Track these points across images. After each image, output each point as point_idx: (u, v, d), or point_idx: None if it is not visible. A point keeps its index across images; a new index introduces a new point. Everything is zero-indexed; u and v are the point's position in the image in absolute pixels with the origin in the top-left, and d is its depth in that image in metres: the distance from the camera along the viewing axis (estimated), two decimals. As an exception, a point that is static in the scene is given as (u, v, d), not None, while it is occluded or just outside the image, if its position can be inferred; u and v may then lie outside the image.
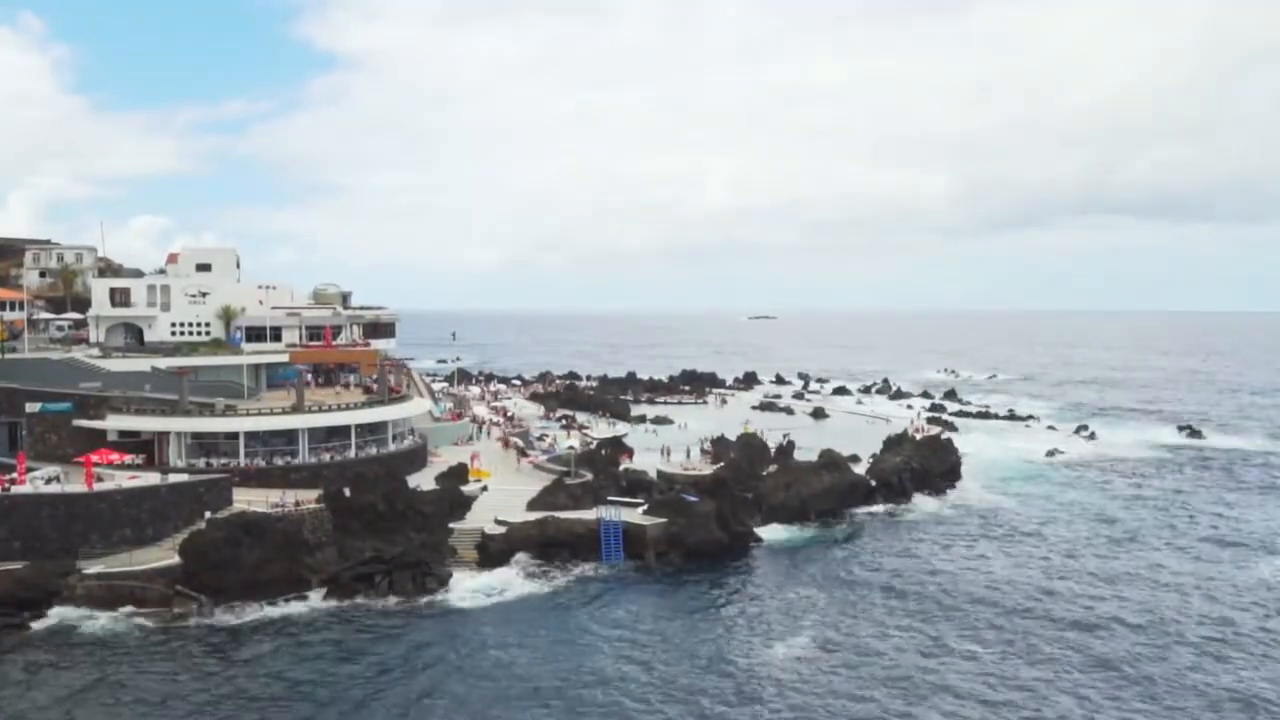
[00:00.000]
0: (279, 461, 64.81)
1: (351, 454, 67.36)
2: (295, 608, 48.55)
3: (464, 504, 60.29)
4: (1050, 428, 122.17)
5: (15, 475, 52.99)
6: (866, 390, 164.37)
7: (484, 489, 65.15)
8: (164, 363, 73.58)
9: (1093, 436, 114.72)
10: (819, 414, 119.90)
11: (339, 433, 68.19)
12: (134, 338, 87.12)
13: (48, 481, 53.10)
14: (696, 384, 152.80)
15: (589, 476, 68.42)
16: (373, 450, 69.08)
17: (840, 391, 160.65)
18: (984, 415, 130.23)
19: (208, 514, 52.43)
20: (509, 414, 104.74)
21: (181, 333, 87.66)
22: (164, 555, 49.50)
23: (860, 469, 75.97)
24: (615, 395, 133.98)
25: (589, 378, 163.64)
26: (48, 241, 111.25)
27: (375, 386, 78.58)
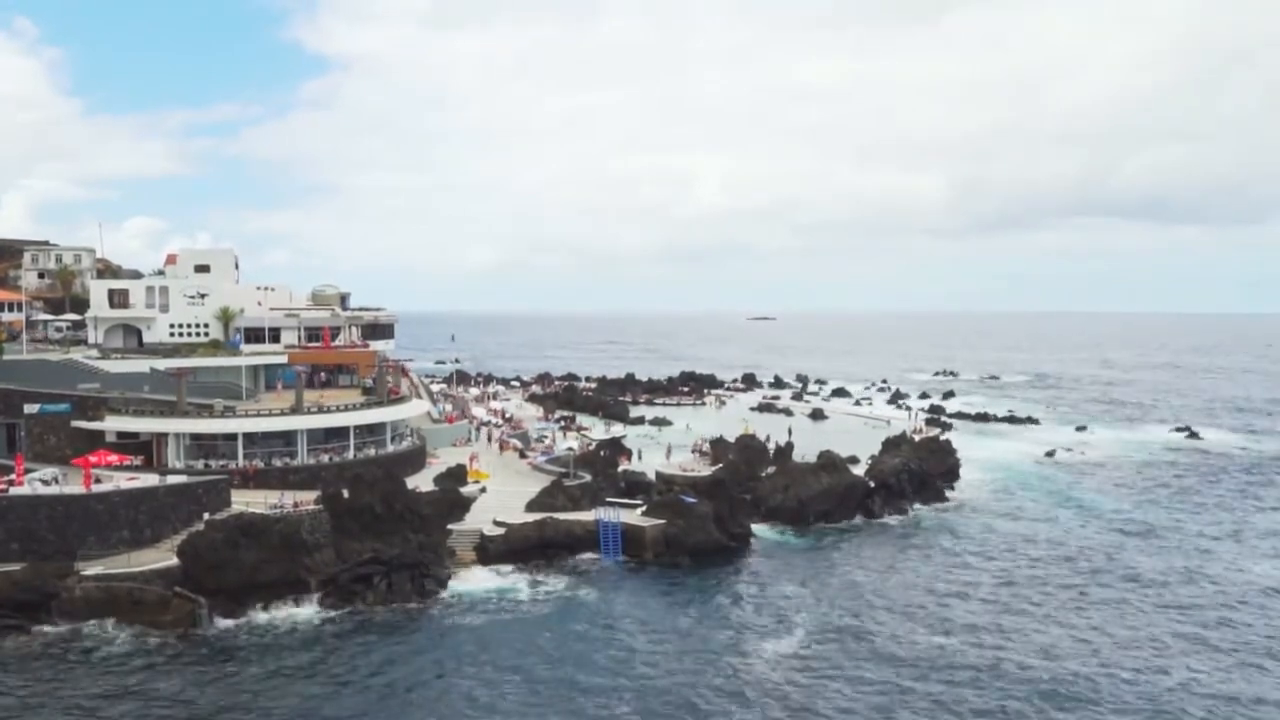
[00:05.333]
0: (277, 463, 64.81)
1: (350, 455, 67.36)
2: (293, 609, 48.48)
3: (462, 505, 60.25)
4: (1049, 429, 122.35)
5: (14, 476, 52.92)
6: (866, 391, 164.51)
7: (482, 490, 65.14)
8: (162, 364, 73.51)
9: (1091, 437, 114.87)
10: (818, 415, 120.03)
11: (337, 434, 68.18)
12: (133, 339, 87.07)
13: (46, 483, 53.02)
14: (695, 385, 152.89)
15: (588, 478, 68.41)
16: (371, 451, 69.07)
17: (839, 393, 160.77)
18: (983, 417, 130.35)
19: (206, 515, 52.35)
20: (507, 415, 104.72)
21: (180, 334, 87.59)
22: (162, 557, 49.41)
23: (859, 470, 75.92)
24: (614, 396, 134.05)
25: (588, 379, 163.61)
26: (46, 242, 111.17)
27: (374, 387, 78.51)
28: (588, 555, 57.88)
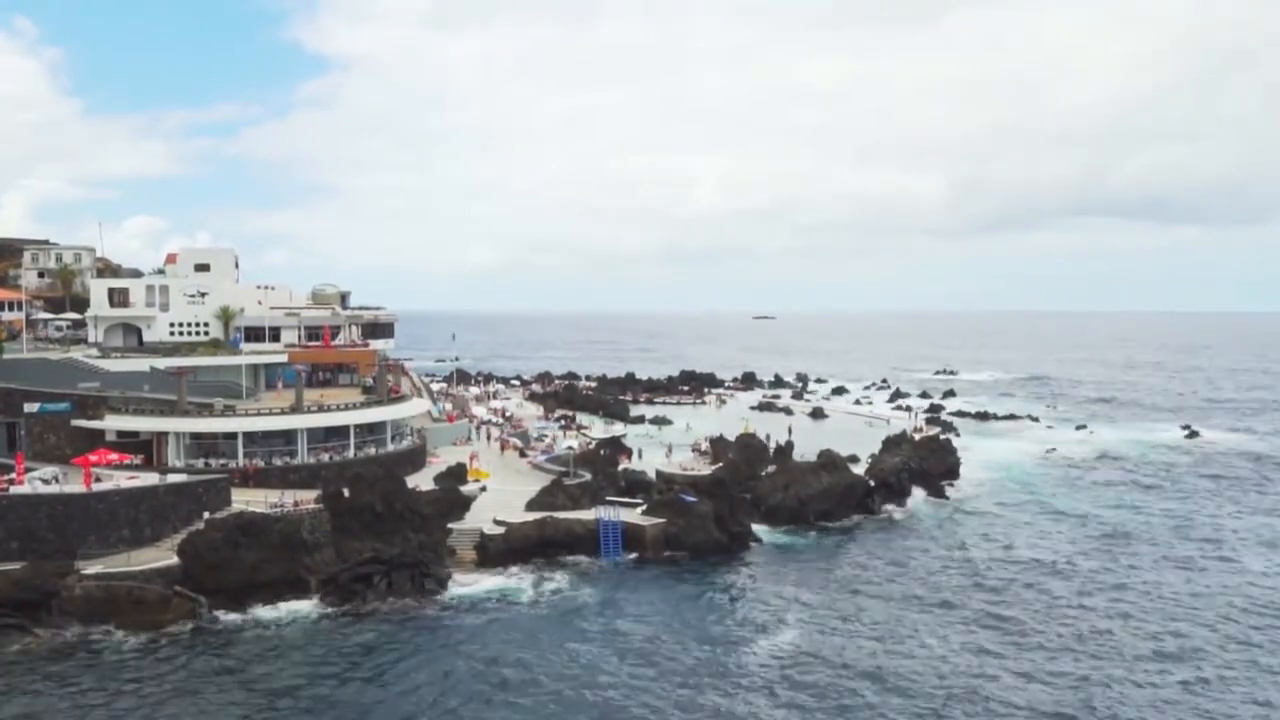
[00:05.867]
0: (278, 462, 64.81)
1: (350, 454, 67.36)
2: (293, 608, 48.48)
3: (463, 504, 60.25)
4: (1049, 427, 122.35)
5: (14, 475, 52.93)
6: (866, 391, 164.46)
7: (483, 489, 65.12)
8: (162, 363, 73.55)
9: (1092, 436, 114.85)
10: (818, 414, 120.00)
11: (337, 433, 68.20)
12: (133, 338, 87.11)
13: (46, 482, 53.02)
14: (695, 384, 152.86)
15: (588, 477, 68.42)
16: (371, 450, 69.08)
17: (839, 392, 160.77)
18: (983, 415, 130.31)
19: (206, 514, 52.38)
20: (507, 414, 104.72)
21: (180, 333, 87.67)
22: (162, 556, 49.42)
23: (859, 469, 75.91)
24: (614, 395, 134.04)
25: (588, 378, 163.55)
26: (46, 242, 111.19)
27: (374, 386, 78.52)
28: (588, 554, 57.86)
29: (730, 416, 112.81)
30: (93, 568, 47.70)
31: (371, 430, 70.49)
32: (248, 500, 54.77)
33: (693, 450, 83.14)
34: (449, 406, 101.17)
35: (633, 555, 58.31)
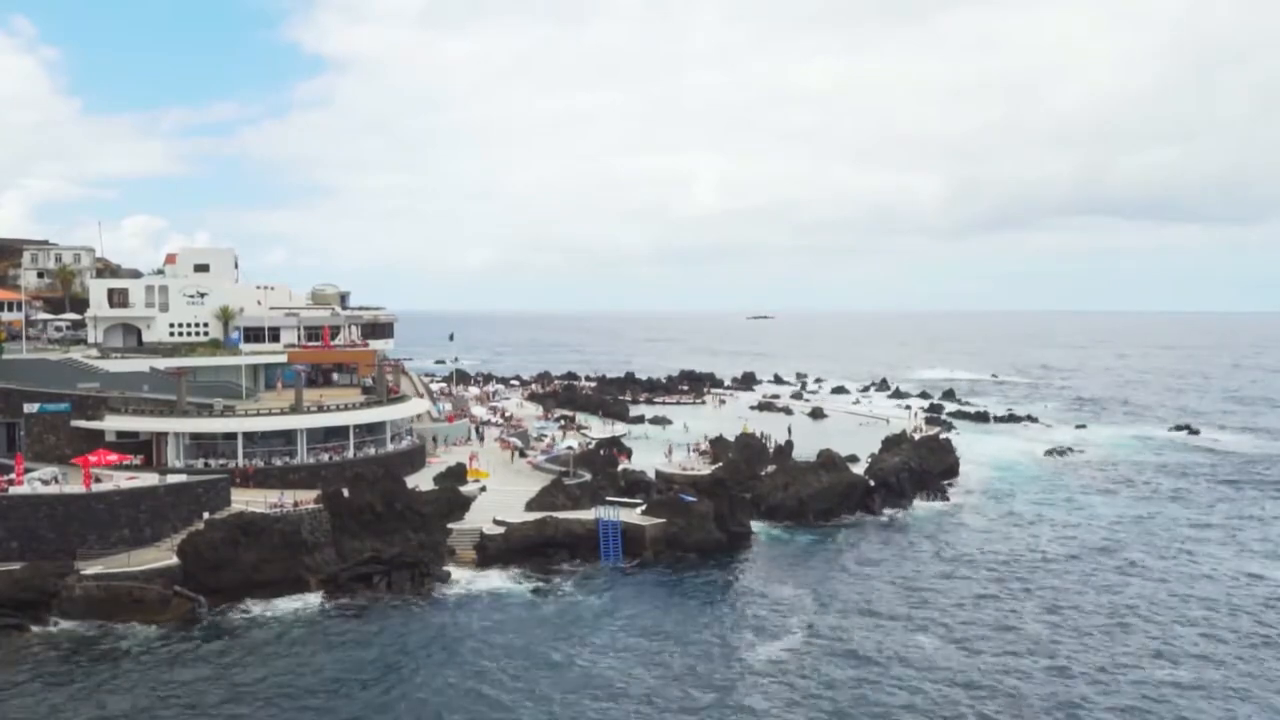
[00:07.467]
0: (277, 462, 64.83)
1: (350, 454, 67.37)
2: (293, 608, 48.49)
3: (462, 504, 60.25)
4: (1048, 427, 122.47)
5: (13, 476, 52.96)
6: (865, 390, 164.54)
7: (482, 489, 65.07)
8: (162, 363, 73.59)
9: (1091, 436, 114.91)
10: (817, 414, 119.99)
11: (337, 433, 68.23)
12: (132, 338, 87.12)
13: (46, 482, 53.05)
14: (695, 384, 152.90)
15: (587, 477, 68.43)
16: (371, 451, 69.09)
17: (839, 391, 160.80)
18: (982, 415, 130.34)
19: (206, 514, 52.40)
20: (507, 414, 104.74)
21: (180, 333, 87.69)
22: (162, 556, 49.47)
23: (859, 469, 75.95)
24: (614, 395, 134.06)
25: (587, 378, 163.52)
26: (45, 242, 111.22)
27: (374, 386, 78.54)
28: (588, 555, 57.82)
29: (729, 416, 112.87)
30: (93, 568, 47.74)
31: (371, 430, 70.52)
32: (248, 500, 54.80)
33: (693, 450, 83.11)
34: (449, 407, 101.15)
35: (635, 563, 57.96)
